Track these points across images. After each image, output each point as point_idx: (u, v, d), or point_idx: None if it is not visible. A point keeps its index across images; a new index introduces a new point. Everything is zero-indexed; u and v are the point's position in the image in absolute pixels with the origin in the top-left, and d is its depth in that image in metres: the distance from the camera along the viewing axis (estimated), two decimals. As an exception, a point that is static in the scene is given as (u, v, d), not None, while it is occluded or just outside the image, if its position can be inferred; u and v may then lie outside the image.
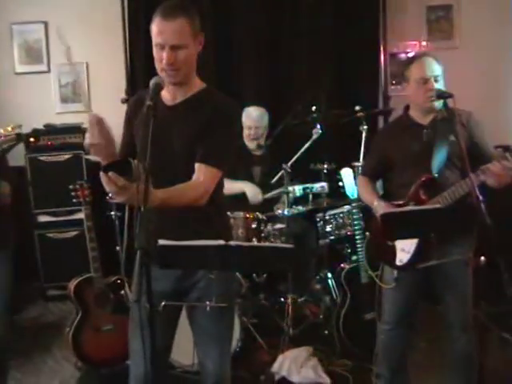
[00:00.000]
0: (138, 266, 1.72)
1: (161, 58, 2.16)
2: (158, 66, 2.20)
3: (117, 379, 3.51)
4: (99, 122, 2.05)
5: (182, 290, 2.31)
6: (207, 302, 2.05)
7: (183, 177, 2.17)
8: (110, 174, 1.86)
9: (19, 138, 2.77)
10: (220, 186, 2.32)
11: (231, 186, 3.78)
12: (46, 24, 5.30)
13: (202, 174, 2.18)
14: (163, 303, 2.03)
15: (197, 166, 2.19)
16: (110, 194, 1.99)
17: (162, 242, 1.75)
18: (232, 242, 1.80)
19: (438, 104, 2.74)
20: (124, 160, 2.01)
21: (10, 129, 2.76)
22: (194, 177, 2.19)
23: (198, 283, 2.29)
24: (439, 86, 2.72)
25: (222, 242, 1.81)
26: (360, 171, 3.18)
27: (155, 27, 2.16)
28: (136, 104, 2.40)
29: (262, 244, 2.15)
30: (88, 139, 2.05)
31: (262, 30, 4.95)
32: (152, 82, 2.08)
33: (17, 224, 3.23)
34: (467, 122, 2.76)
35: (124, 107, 4.76)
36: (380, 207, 2.78)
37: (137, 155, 2.23)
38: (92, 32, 5.21)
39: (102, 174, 1.89)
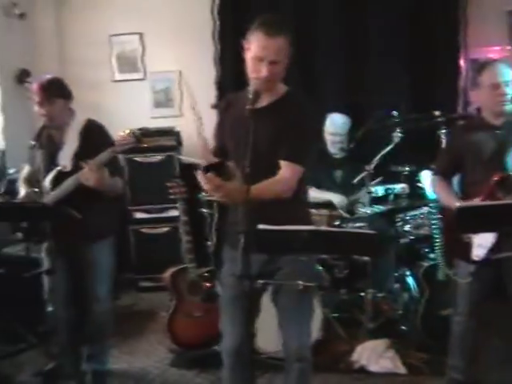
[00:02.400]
0: (240, 247, 1.99)
1: (257, 69, 2.38)
2: (251, 74, 2.45)
3: (206, 361, 3.82)
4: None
5: (266, 273, 2.49)
6: (299, 282, 2.28)
7: (268, 173, 2.39)
8: (209, 174, 2.15)
9: (137, 141, 3.15)
10: (302, 180, 2.54)
11: (318, 196, 4.03)
12: (141, 35, 5.70)
13: (286, 170, 2.42)
14: (261, 281, 2.28)
15: (282, 163, 2.43)
16: (208, 192, 2.29)
17: (261, 226, 2.00)
18: (322, 227, 2.03)
19: (510, 107, 2.88)
20: (220, 162, 2.31)
21: (127, 131, 3.15)
22: (280, 173, 2.42)
23: (283, 268, 2.51)
24: (510, 90, 2.86)
25: (312, 227, 2.05)
26: (434, 170, 3.32)
27: (257, 41, 2.37)
28: (226, 107, 2.67)
29: (349, 229, 2.35)
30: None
31: (340, 37, 5.14)
32: (251, 89, 2.35)
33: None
34: None
35: (213, 112, 5.15)
36: None
37: (230, 153, 2.54)
38: (184, 42, 5.56)
39: (201, 174, 2.19)
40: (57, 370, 3.60)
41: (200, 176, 2.18)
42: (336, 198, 4.17)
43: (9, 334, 3.94)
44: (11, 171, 3.43)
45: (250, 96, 2.30)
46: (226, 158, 2.49)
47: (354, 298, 4.23)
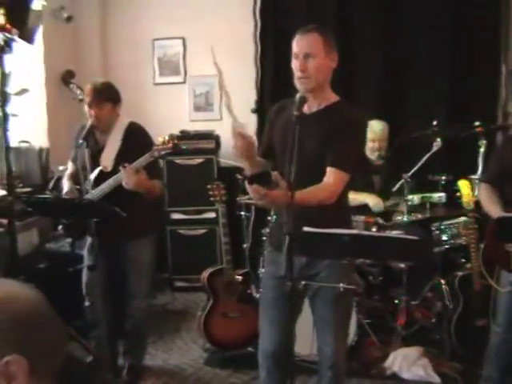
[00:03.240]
0: (285, 248, 2.04)
1: (296, 67, 2.52)
2: (295, 76, 2.55)
3: (239, 362, 3.89)
4: (240, 133, 2.42)
5: (305, 277, 2.56)
6: (341, 284, 2.32)
7: (313, 179, 2.46)
8: (254, 186, 2.23)
9: (175, 148, 3.24)
10: (346, 188, 2.60)
11: (354, 197, 4.06)
12: (183, 40, 5.80)
13: (332, 177, 2.48)
14: (303, 282, 2.33)
15: (328, 169, 2.49)
16: (254, 200, 2.36)
17: (306, 228, 2.05)
18: (365, 232, 2.08)
19: None
20: (265, 171, 2.41)
21: (167, 138, 3.23)
22: (325, 179, 2.48)
23: (321, 272, 2.56)
24: None
25: (356, 231, 2.10)
26: (481, 177, 3.32)
27: (294, 42, 2.54)
28: (277, 111, 2.75)
29: (391, 234, 2.38)
30: (233, 147, 2.44)
31: (379, 44, 5.18)
32: (298, 96, 2.42)
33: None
34: None
35: (253, 117, 5.22)
36: None
37: (276, 157, 2.61)
38: (225, 47, 5.63)
39: (247, 184, 2.27)
40: (94, 365, 3.70)
41: (247, 187, 2.26)
42: (372, 201, 4.20)
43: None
44: (60, 168, 3.53)
45: (296, 102, 2.37)
46: (273, 161, 2.57)
47: (387, 304, 4.25)
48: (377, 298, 4.25)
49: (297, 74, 2.52)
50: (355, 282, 3.76)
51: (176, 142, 3.25)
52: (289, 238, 2.04)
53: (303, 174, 2.18)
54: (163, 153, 3.26)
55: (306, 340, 3.50)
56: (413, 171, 4.05)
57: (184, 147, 5.14)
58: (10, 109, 4.78)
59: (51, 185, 3.46)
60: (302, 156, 2.27)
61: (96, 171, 3.41)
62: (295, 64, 2.53)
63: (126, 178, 3.20)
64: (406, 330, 4.00)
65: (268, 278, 2.72)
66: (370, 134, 4.39)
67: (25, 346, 1.09)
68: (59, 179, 3.54)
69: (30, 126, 5.06)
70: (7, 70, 4.70)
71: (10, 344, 1.08)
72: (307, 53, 2.48)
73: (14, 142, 4.95)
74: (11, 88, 4.78)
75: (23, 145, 5.02)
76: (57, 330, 1.18)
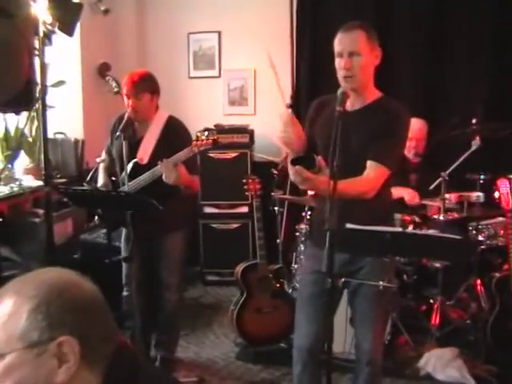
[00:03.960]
0: (327, 244, 2.02)
1: (340, 66, 2.48)
2: (339, 75, 2.52)
3: (271, 357, 3.88)
4: (292, 120, 2.40)
5: (345, 274, 2.54)
6: (381, 282, 2.30)
7: (357, 173, 2.44)
8: (297, 167, 2.20)
9: (215, 143, 3.23)
10: (388, 183, 2.57)
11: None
12: (219, 33, 5.80)
13: (372, 170, 2.45)
14: (343, 279, 2.31)
15: (368, 163, 2.46)
16: (296, 183, 2.33)
17: (349, 225, 2.03)
18: (408, 230, 2.05)
19: None
20: (309, 155, 2.36)
21: (206, 134, 3.23)
22: (365, 173, 2.46)
23: (362, 269, 2.55)
24: None
25: (399, 228, 2.07)
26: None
27: (336, 40, 2.50)
28: (318, 107, 2.72)
29: (434, 233, 2.34)
30: (281, 133, 2.41)
31: (419, 43, 5.11)
32: (339, 91, 2.39)
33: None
34: None
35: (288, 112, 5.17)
36: None
37: (320, 152, 2.58)
38: (261, 41, 5.59)
39: (289, 165, 2.24)
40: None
41: (289, 168, 2.23)
42: (408, 194, 4.15)
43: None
44: (98, 160, 3.56)
45: (338, 98, 2.34)
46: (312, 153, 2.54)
47: (421, 304, 4.20)
48: (411, 297, 4.20)
49: (341, 72, 2.48)
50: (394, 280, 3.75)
51: (215, 138, 3.24)
52: (330, 234, 2.01)
53: (346, 170, 2.15)
54: (202, 149, 3.26)
55: (339, 337, 3.49)
56: (451, 170, 3.99)
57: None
58: (47, 100, 4.89)
59: (89, 176, 3.48)
60: (345, 152, 2.25)
61: (131, 163, 3.42)
62: (339, 62, 2.49)
63: (167, 171, 3.21)
64: (440, 331, 3.94)
65: (306, 272, 2.71)
66: (408, 132, 4.34)
67: (80, 330, 1.13)
68: (96, 171, 3.56)
69: (65, 118, 5.12)
70: (46, 61, 4.79)
71: (66, 325, 1.12)
72: (352, 51, 2.44)
73: (49, 134, 5.02)
74: (48, 80, 4.87)
75: (59, 136, 5.08)
76: (110, 320, 1.22)
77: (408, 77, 5.16)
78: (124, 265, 3.57)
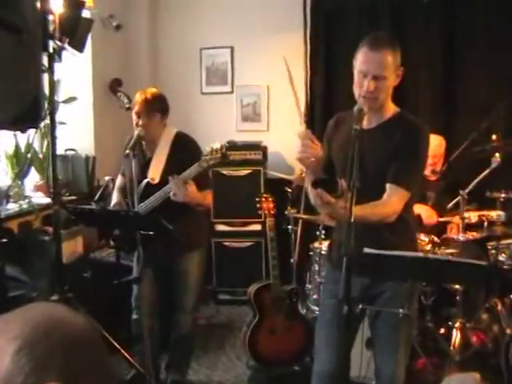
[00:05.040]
0: (343, 270, 1.92)
1: (361, 84, 2.36)
2: (356, 91, 2.41)
3: (285, 380, 3.77)
4: (310, 138, 2.30)
5: (366, 298, 2.46)
6: (400, 310, 2.19)
7: (374, 195, 2.34)
8: (319, 190, 2.09)
9: (224, 157, 3.14)
10: (409, 205, 2.46)
11: None
12: (232, 49, 5.74)
13: (392, 193, 2.35)
14: (360, 306, 2.21)
15: (388, 186, 2.36)
16: (315, 206, 2.23)
17: (367, 250, 1.93)
18: (430, 255, 1.94)
19: None
20: (332, 178, 2.26)
21: (215, 147, 3.14)
22: (385, 196, 2.36)
23: (384, 293, 2.45)
24: None
25: (420, 254, 1.96)
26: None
27: (361, 56, 2.36)
28: (335, 126, 2.63)
29: (458, 259, 2.24)
30: (299, 153, 2.31)
31: (435, 56, 5.02)
32: (356, 108, 2.29)
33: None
34: None
35: (302, 129, 5.08)
36: None
37: (337, 172, 2.48)
38: (274, 57, 5.55)
39: (310, 188, 2.13)
40: (137, 379, 3.62)
41: (309, 190, 2.13)
42: (425, 212, 4.04)
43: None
44: (106, 178, 3.48)
45: (355, 115, 2.25)
46: (328, 173, 2.44)
47: (440, 325, 4.06)
48: (429, 319, 4.06)
49: (361, 92, 2.36)
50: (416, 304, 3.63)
51: (224, 151, 3.15)
52: (347, 259, 1.91)
53: (363, 193, 2.06)
54: (212, 163, 3.16)
55: (355, 360, 3.37)
56: (470, 188, 3.87)
57: (231, 158, 5.09)
58: (57, 117, 4.84)
59: (97, 196, 3.40)
60: (363, 172, 2.17)
61: (143, 183, 3.34)
62: (360, 82, 2.36)
63: (176, 189, 3.13)
64: (460, 354, 3.80)
65: (327, 297, 2.62)
66: (425, 149, 4.24)
67: (68, 375, 0.99)
68: (105, 190, 3.48)
69: (77, 134, 5.07)
70: (56, 78, 4.74)
71: (52, 369, 0.98)
72: (377, 75, 2.33)
73: (60, 150, 4.98)
74: (59, 96, 4.83)
75: (70, 153, 5.02)
76: (105, 363, 1.08)
77: (425, 91, 5.05)
78: (134, 286, 3.48)
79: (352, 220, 1.97)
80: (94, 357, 1.06)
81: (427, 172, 4.26)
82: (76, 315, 1.09)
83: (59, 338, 1.01)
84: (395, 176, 2.34)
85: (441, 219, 4.03)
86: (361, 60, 2.37)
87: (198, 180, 3.23)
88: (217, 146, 3.14)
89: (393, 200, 2.33)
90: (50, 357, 0.99)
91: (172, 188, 3.15)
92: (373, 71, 2.33)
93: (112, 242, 3.46)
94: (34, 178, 4.72)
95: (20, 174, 4.51)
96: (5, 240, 2.81)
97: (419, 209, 4.04)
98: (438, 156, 4.25)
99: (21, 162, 4.54)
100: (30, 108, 2.51)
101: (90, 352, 1.05)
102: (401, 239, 2.38)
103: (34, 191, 4.65)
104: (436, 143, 4.24)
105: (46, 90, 3.12)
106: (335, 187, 2.08)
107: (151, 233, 3.11)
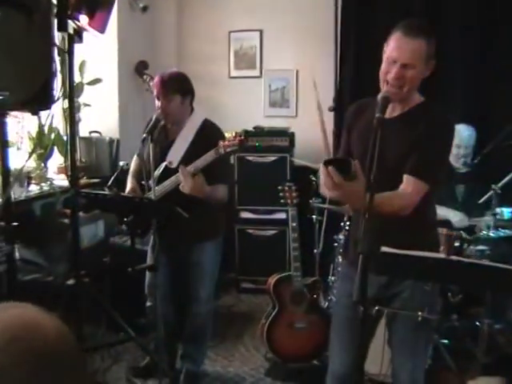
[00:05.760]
0: (359, 269, 1.79)
1: (388, 70, 2.23)
2: (382, 76, 2.27)
3: (303, 375, 3.67)
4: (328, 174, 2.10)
5: (383, 298, 2.35)
6: (419, 313, 2.06)
7: (392, 186, 2.21)
8: (330, 168, 1.92)
9: (242, 144, 3.01)
10: (428, 199, 2.31)
11: (437, 213, 3.73)
12: (261, 32, 5.61)
13: (409, 185, 2.22)
14: (376, 307, 2.09)
15: (405, 177, 2.23)
16: (324, 188, 2.04)
17: (384, 248, 1.80)
18: (453, 257, 1.81)
19: None
20: (345, 159, 2.10)
21: (233, 134, 3.02)
22: (402, 187, 2.22)
23: (402, 293, 2.33)
24: None
25: (442, 255, 1.83)
26: None
27: (393, 41, 2.22)
28: (356, 113, 2.49)
29: (483, 262, 2.11)
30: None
31: (470, 44, 4.81)
32: (381, 96, 2.15)
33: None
34: None
35: (331, 115, 4.94)
36: None
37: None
38: (303, 41, 5.43)
39: (321, 166, 1.96)
40: (151, 366, 3.57)
41: (321, 169, 1.96)
42: (455, 217, 3.86)
43: (109, 323, 3.94)
44: (121, 163, 3.40)
45: (379, 103, 2.10)
46: None
47: (466, 325, 3.90)
48: (455, 318, 3.90)
49: (388, 79, 2.22)
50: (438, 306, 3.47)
51: (243, 137, 3.02)
52: (363, 257, 1.78)
53: (382, 181, 1.92)
54: (229, 150, 3.04)
55: (376, 357, 3.24)
56: (503, 182, 3.69)
57: (257, 144, 4.98)
58: (82, 98, 4.78)
59: (110, 181, 3.32)
60: (383, 161, 2.03)
61: (162, 166, 3.25)
62: (389, 68, 2.22)
63: (183, 180, 3.02)
64: (487, 357, 3.64)
65: (341, 295, 2.50)
66: (455, 140, 4.04)
67: None
68: (120, 175, 3.40)
69: (101, 117, 5.01)
70: (82, 59, 4.68)
71: (17, 381, 0.87)
72: (407, 63, 2.19)
73: (85, 132, 4.92)
74: (85, 77, 4.76)
75: (94, 135, 4.97)
76: (79, 373, 0.97)
77: (458, 80, 4.85)
78: (147, 274, 3.40)
79: (367, 216, 1.83)
80: (67, 368, 0.95)
81: (458, 164, 4.09)
82: (50, 319, 0.98)
83: (26, 345, 0.90)
84: (414, 167, 2.20)
85: (471, 222, 3.86)
86: (392, 45, 2.22)
87: (211, 172, 3.11)
88: (234, 133, 3.03)
89: (410, 192, 2.20)
90: (14, 366, 0.88)
91: (180, 177, 3.05)
92: (403, 59, 2.19)
93: (125, 227, 3.39)
94: (57, 160, 4.68)
95: (43, 156, 4.47)
96: (16, 224, 2.73)
97: (448, 213, 3.87)
98: (469, 147, 4.07)
99: (44, 144, 4.50)
100: (41, 90, 2.43)
101: (61, 362, 0.94)
102: (419, 237, 2.25)
103: (57, 173, 4.60)
104: (468, 133, 4.07)
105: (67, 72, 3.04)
106: (348, 168, 1.91)
107: (164, 220, 3.01)
